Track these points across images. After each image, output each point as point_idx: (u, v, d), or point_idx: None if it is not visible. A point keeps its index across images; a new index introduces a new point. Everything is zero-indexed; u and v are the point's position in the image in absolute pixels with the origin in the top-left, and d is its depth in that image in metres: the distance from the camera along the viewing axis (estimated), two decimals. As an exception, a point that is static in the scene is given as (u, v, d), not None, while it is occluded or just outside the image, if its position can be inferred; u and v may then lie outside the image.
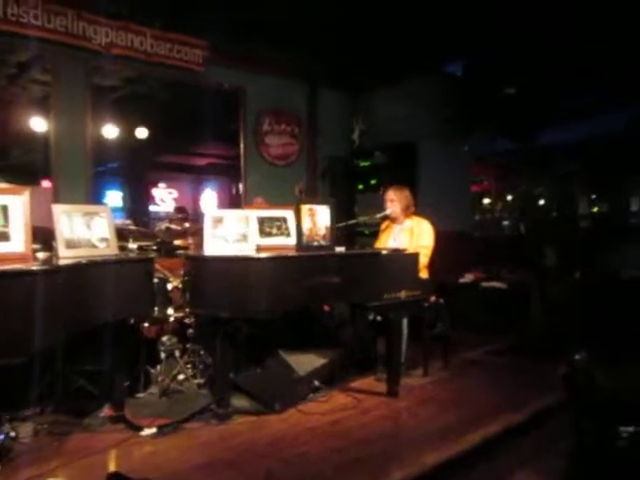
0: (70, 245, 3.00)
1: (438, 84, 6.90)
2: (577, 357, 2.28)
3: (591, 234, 10.14)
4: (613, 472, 2.03)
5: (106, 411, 3.40)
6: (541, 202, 13.41)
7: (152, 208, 11.93)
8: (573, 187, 12.42)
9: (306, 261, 3.47)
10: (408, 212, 4.57)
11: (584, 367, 2.24)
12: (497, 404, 3.71)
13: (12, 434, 2.99)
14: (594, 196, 13.54)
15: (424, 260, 4.39)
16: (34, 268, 2.39)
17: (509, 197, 14.57)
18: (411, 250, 4.24)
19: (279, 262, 3.37)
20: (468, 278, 6.53)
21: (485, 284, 6.28)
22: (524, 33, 5.58)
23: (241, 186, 6.44)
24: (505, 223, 13.72)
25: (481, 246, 7.63)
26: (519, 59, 6.11)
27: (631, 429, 1.88)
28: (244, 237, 3.62)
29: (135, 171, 11.22)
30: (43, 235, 3.17)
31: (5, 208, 2.68)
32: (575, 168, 11.52)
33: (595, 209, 13.49)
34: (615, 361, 2.37)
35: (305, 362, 3.95)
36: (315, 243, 3.59)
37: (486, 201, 14.82)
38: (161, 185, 12.52)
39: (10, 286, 2.20)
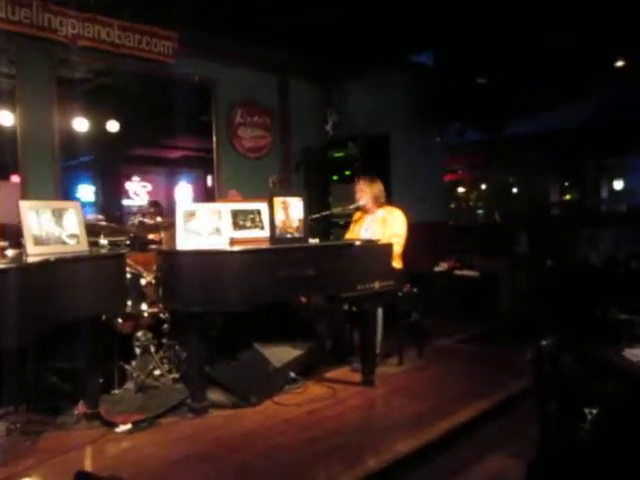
0: (39, 242, 2.96)
1: (410, 75, 6.94)
2: (544, 342, 2.34)
3: (562, 221, 10.36)
4: (578, 454, 2.09)
5: (80, 408, 3.38)
6: (514, 190, 13.63)
7: (125, 202, 11.78)
8: (545, 175, 12.65)
9: (279, 254, 3.49)
10: (379, 202, 4.61)
11: (550, 352, 2.30)
12: (469, 391, 3.79)
13: (-16, 434, 2.96)
14: (567, 184, 13.81)
15: (397, 249, 4.44)
16: (1, 266, 2.35)
17: (483, 186, 14.77)
18: (384, 239, 4.28)
19: (252, 255, 3.38)
20: (442, 267, 6.62)
21: (458, 272, 6.38)
22: (493, 24, 5.63)
23: (215, 179, 6.39)
24: (479, 212, 13.92)
25: (455, 235, 7.74)
26: (489, 49, 6.17)
27: (595, 411, 1.94)
28: (217, 230, 3.60)
29: (107, 164, 11.05)
30: (12, 232, 3.13)
31: (-30, 206, 2.63)
32: (546, 157, 11.72)
33: (567, 197, 13.77)
34: (581, 346, 2.44)
35: (281, 353, 3.98)
36: (288, 235, 3.60)
37: (461, 190, 15.00)
38: (135, 178, 12.36)
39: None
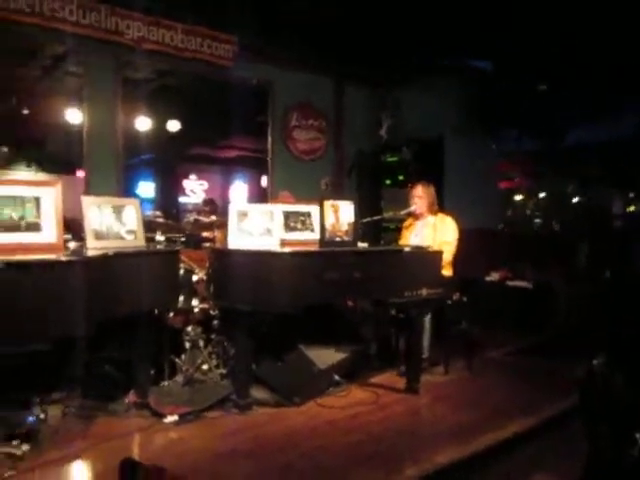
0: (99, 236, 3.10)
1: (466, 79, 6.82)
2: (595, 362, 2.26)
3: (624, 233, 9.91)
4: (626, 478, 2.02)
5: (131, 397, 3.51)
6: (574, 200, 13.16)
7: (182, 199, 12.12)
8: (607, 186, 12.15)
9: (328, 257, 3.51)
10: (432, 209, 4.57)
11: (602, 372, 2.21)
12: (515, 406, 3.69)
13: (42, 416, 3.11)
14: (631, 195, 13.22)
15: (448, 257, 4.38)
16: (62, 259, 2.48)
17: (541, 194, 14.33)
18: (434, 246, 4.24)
19: (301, 257, 3.41)
20: (494, 276, 6.48)
21: (511, 283, 6.22)
22: (553, 31, 5.47)
23: (268, 179, 6.50)
24: (537, 221, 13.51)
25: (510, 243, 7.53)
26: (549, 57, 5.99)
27: (646, 436, 1.86)
28: (268, 231, 3.66)
29: (166, 163, 11.41)
30: (76, 226, 3.28)
31: (38, 200, 2.78)
32: (609, 167, 11.25)
33: (631, 208, 13.18)
34: (635, 366, 2.33)
35: (325, 356, 4.00)
36: (337, 239, 3.63)
37: (517, 198, 14.61)
38: (192, 177, 12.70)
39: (40, 275, 2.29)
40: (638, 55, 5.86)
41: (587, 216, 11.46)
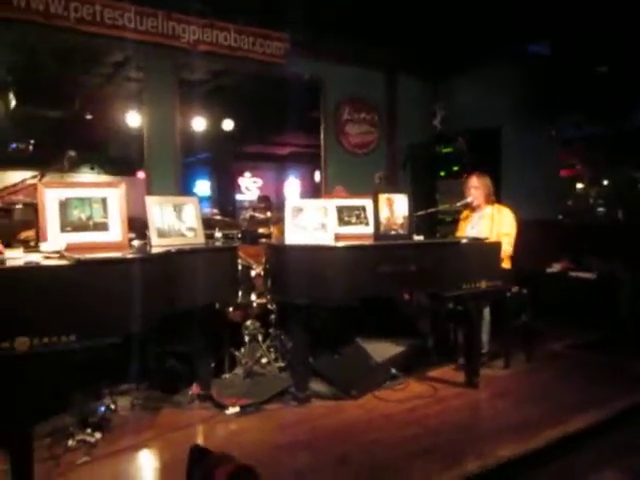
0: (161, 234, 3.22)
1: (522, 66, 6.62)
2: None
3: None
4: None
5: (194, 389, 3.64)
6: (640, 187, 12.54)
7: (238, 196, 12.37)
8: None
9: (383, 250, 3.51)
10: (489, 199, 4.49)
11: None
12: (579, 400, 3.58)
13: (112, 406, 3.29)
14: None
15: (507, 249, 4.30)
16: (130, 256, 2.60)
17: (605, 182, 13.74)
18: (492, 238, 4.16)
19: (355, 251, 3.43)
20: (556, 268, 6.27)
21: (573, 274, 6.01)
22: (614, 7, 5.23)
23: (322, 175, 6.54)
24: (600, 210, 12.96)
25: (572, 234, 7.27)
26: (610, 36, 5.73)
27: None
28: (323, 226, 3.69)
29: (222, 161, 11.66)
30: (139, 224, 3.43)
31: (104, 200, 2.92)
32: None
33: None
34: None
35: (382, 349, 4.01)
36: (392, 232, 3.62)
37: (579, 186, 14.06)
38: (247, 174, 12.93)
39: (109, 272, 2.41)
40: None
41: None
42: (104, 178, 8.91)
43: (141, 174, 6.53)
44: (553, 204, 7.19)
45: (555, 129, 6.94)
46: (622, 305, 5.54)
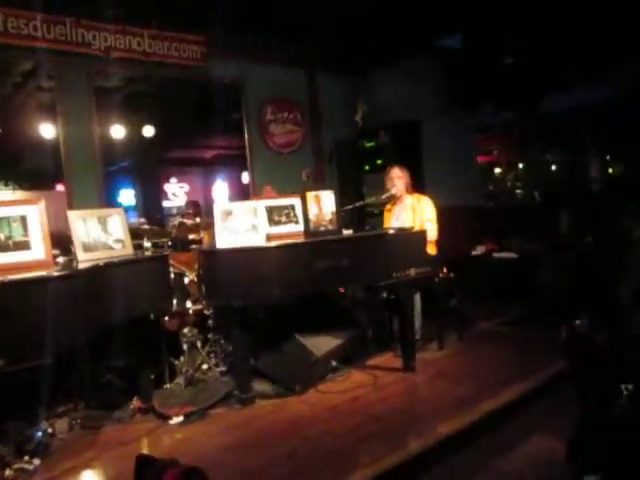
0: (87, 249, 3.14)
1: (437, 59, 6.88)
2: (578, 322, 2.37)
3: (604, 197, 10.07)
4: (616, 428, 2.12)
5: (135, 403, 3.57)
6: (553, 168, 13.32)
7: (165, 203, 12.12)
8: (584, 151, 12.30)
9: (314, 246, 3.58)
10: (409, 190, 4.65)
11: (585, 331, 2.32)
12: (509, 373, 3.80)
13: (49, 430, 3.17)
14: (608, 157, 13.39)
15: (433, 233, 4.46)
16: (55, 274, 2.52)
17: (520, 165, 14.48)
18: (416, 226, 4.32)
19: (287, 249, 3.48)
20: (480, 250, 6.58)
21: (496, 255, 6.33)
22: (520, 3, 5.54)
23: (249, 176, 6.53)
24: (518, 192, 13.66)
25: (494, 217, 7.64)
26: (517, 26, 6.07)
27: (631, 386, 1.98)
28: (254, 227, 3.70)
29: (146, 168, 11.39)
30: (62, 240, 3.32)
31: (24, 218, 2.81)
32: (585, 131, 11.39)
33: (610, 170, 13.35)
34: (617, 323, 2.44)
35: (322, 343, 4.07)
36: (322, 228, 3.70)
37: (497, 171, 14.74)
38: (172, 180, 12.70)
39: (34, 292, 2.33)
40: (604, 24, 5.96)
41: (566, 182, 11.62)
42: (20, 194, 8.51)
43: (60, 187, 6.28)
44: (474, 190, 7.53)
45: (471, 118, 7.27)
46: (543, 281, 5.90)
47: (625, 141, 11.83)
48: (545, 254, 6.32)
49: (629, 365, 2.15)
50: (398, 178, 4.63)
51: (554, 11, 5.74)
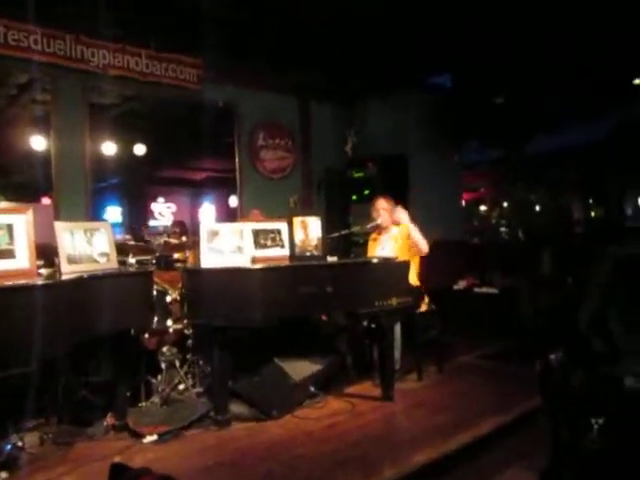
0: (72, 261, 3.14)
1: (428, 95, 7.07)
2: (552, 357, 2.42)
3: (586, 239, 10.27)
4: (586, 462, 2.15)
5: (109, 420, 3.52)
6: (537, 208, 13.57)
7: (151, 223, 12.08)
8: (568, 192, 12.58)
9: (298, 271, 3.61)
10: (395, 221, 4.73)
11: (559, 366, 2.38)
12: (488, 406, 3.82)
13: (19, 444, 3.11)
14: (591, 200, 13.70)
15: (424, 248, 4.53)
16: (38, 282, 2.52)
17: (505, 204, 14.73)
18: (402, 255, 4.38)
19: (272, 272, 3.51)
20: (461, 284, 6.66)
21: (478, 290, 6.41)
22: (509, 45, 5.74)
23: (238, 199, 6.58)
24: (502, 229, 13.87)
25: (477, 253, 7.76)
26: (506, 69, 6.28)
27: (601, 421, 2.02)
28: (239, 249, 3.73)
29: (134, 186, 11.40)
30: (46, 252, 3.31)
31: (10, 227, 2.81)
32: (569, 173, 11.68)
33: (592, 213, 13.64)
34: (590, 359, 2.49)
35: (301, 368, 4.07)
36: (307, 254, 3.74)
37: (483, 208, 14.99)
38: (160, 199, 12.68)
39: (16, 300, 2.33)
40: (589, 70, 6.19)
41: (550, 223, 11.85)
42: (6, 204, 8.44)
43: (46, 200, 6.27)
44: (460, 225, 7.66)
45: (458, 155, 7.44)
46: (523, 317, 5.97)
47: (606, 185, 12.13)
48: (526, 292, 6.41)
49: (600, 399, 2.20)
50: (383, 209, 4.71)
51: (542, 55, 5.95)
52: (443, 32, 5.62)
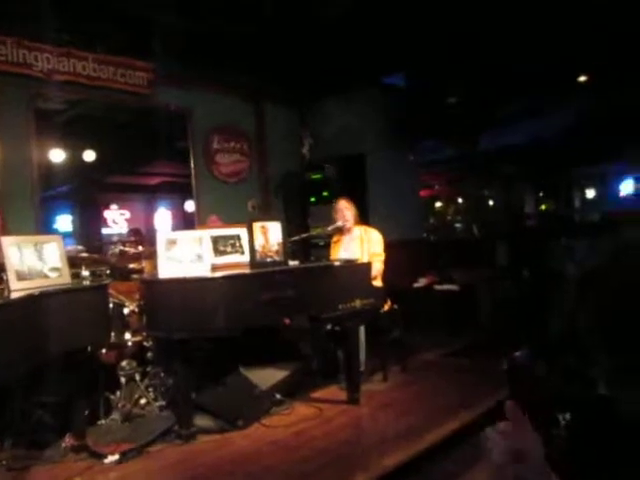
0: (21, 277, 2.99)
1: (382, 96, 7.10)
2: (517, 353, 2.43)
3: (538, 232, 10.58)
4: (554, 458, 2.17)
5: (67, 441, 3.37)
6: (490, 203, 13.89)
7: (105, 231, 11.74)
8: (519, 187, 12.92)
9: (260, 277, 3.55)
10: (357, 221, 4.72)
11: (524, 362, 2.39)
12: (453, 403, 3.85)
13: (-30, 473, 2.95)
14: (541, 194, 14.12)
15: (379, 266, 4.53)
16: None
17: (460, 200, 15.02)
18: (364, 258, 4.37)
19: (233, 280, 3.44)
20: (422, 282, 6.71)
21: (438, 287, 6.48)
22: (460, 45, 5.82)
23: (195, 205, 6.44)
24: (458, 226, 14.14)
25: (435, 250, 7.86)
26: (457, 69, 6.37)
27: (567, 416, 2.03)
28: (199, 257, 3.64)
29: (85, 194, 11.04)
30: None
31: (-49, 244, 2.66)
32: (520, 169, 12.00)
33: (543, 207, 14.07)
34: (554, 355, 2.53)
35: (266, 376, 4.01)
36: (268, 259, 3.67)
37: (438, 205, 15.24)
38: (113, 207, 12.34)
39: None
40: (537, 64, 6.35)
41: (502, 217, 12.14)
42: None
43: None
44: (416, 224, 7.73)
45: (414, 154, 7.51)
46: (482, 311, 6.08)
47: (556, 179, 12.52)
48: (483, 286, 6.53)
49: (566, 395, 2.22)
50: (346, 209, 4.68)
51: (493, 53, 6.07)
52: (396, 32, 5.64)
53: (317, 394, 4.24)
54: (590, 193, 14.00)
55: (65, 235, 10.13)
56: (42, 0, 4.33)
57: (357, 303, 3.94)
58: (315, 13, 5.26)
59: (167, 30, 4.90)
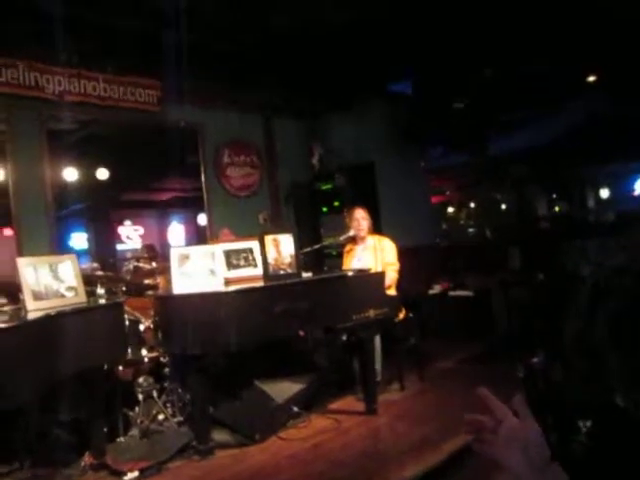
0: (38, 297, 3.02)
1: (390, 103, 7.11)
2: (534, 359, 2.40)
3: (552, 234, 10.48)
4: (575, 466, 2.13)
5: (87, 459, 3.39)
6: (503, 207, 13.80)
7: (119, 247, 11.85)
8: (531, 190, 12.83)
9: (273, 290, 3.55)
10: (371, 231, 4.71)
11: (541, 369, 2.35)
12: (473, 410, 3.80)
13: (-9, 493, 2.97)
14: (554, 196, 14.01)
15: (393, 276, 4.51)
16: (0, 326, 2.41)
17: (472, 205, 14.96)
18: (377, 267, 4.36)
19: (246, 294, 3.44)
20: (436, 289, 6.68)
21: (452, 293, 6.43)
22: (466, 52, 5.82)
23: (207, 218, 6.48)
24: (470, 230, 14.06)
25: (448, 255, 7.81)
26: (463, 75, 6.37)
27: (589, 423, 2.00)
28: (212, 272, 3.66)
29: (99, 211, 11.16)
30: (11, 288, 3.18)
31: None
32: (532, 171, 11.92)
33: (556, 209, 13.95)
34: (571, 360, 2.49)
35: (282, 389, 4.00)
36: (281, 272, 3.68)
37: (450, 210, 15.19)
38: (127, 223, 12.46)
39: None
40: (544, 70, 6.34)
41: (515, 221, 12.05)
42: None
43: (8, 231, 6.07)
44: (429, 230, 7.70)
45: (424, 160, 7.50)
46: (496, 316, 6.02)
47: (568, 180, 12.41)
48: (497, 291, 6.47)
49: (586, 401, 2.18)
50: (363, 219, 4.65)
51: (500, 58, 6.06)
52: (402, 40, 5.65)
53: (334, 405, 4.22)
54: (604, 193, 13.87)
55: (80, 252, 10.26)
56: (51, 22, 4.40)
57: (371, 313, 3.92)
58: (321, 25, 5.29)
59: (174, 47, 4.95)
